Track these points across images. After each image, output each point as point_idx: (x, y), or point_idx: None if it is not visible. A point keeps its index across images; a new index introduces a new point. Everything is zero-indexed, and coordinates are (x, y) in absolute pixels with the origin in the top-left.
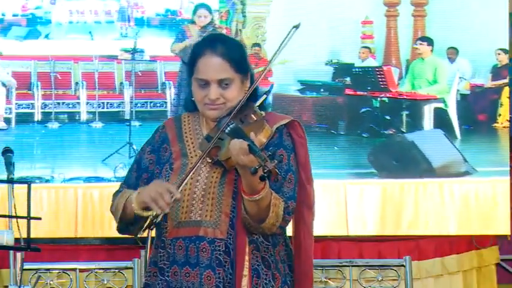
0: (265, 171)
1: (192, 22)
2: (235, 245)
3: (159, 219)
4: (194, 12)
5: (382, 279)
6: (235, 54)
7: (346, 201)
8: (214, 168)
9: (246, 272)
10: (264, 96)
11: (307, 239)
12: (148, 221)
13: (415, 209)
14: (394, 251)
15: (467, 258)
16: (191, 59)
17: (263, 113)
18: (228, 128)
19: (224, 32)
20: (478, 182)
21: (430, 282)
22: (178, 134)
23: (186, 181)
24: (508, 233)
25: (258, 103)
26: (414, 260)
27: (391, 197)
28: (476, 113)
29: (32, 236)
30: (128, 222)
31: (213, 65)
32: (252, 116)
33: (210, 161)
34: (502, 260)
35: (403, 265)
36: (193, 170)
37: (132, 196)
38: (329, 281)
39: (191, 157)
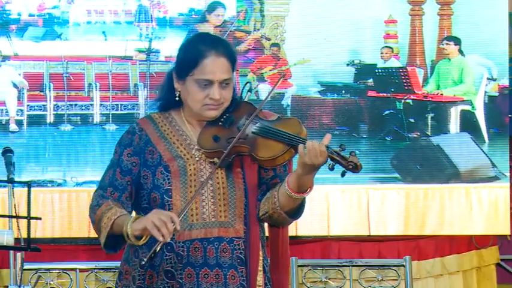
0: (351, 167)
1: (205, 21)
2: (249, 242)
3: (159, 248)
4: (210, 10)
5: (382, 279)
6: (234, 55)
7: (369, 208)
8: (217, 168)
9: (260, 267)
10: (249, 94)
11: (286, 235)
12: (152, 251)
13: (440, 216)
14: (394, 251)
15: (467, 258)
16: (192, 59)
17: None
18: (255, 128)
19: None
20: (506, 187)
21: (430, 282)
22: (160, 135)
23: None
24: (507, 233)
25: (246, 99)
26: (414, 260)
27: (415, 202)
28: (504, 115)
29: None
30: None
31: (219, 66)
32: (264, 114)
33: (215, 161)
34: (502, 260)
35: (403, 265)
36: (211, 174)
37: (127, 221)
38: (329, 281)
39: (187, 158)
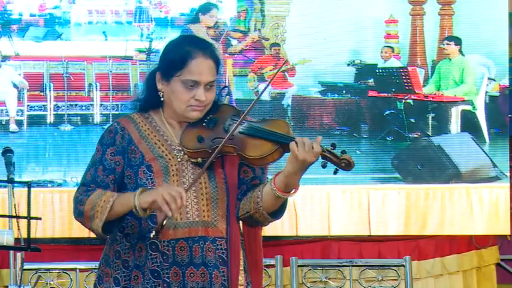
0: (344, 164)
1: (197, 21)
2: (230, 241)
3: (165, 222)
4: (204, 11)
5: (382, 279)
6: (219, 58)
7: (369, 208)
8: (197, 169)
9: (241, 267)
10: (227, 97)
11: (260, 232)
12: (158, 226)
13: (440, 216)
14: (394, 251)
15: (467, 258)
16: (180, 60)
17: None
18: (242, 128)
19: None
20: (507, 187)
21: (430, 282)
22: (141, 135)
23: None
24: (508, 233)
25: (225, 101)
26: (414, 260)
27: (416, 203)
28: (505, 115)
29: (41, 236)
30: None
31: (207, 68)
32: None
33: (198, 161)
34: (502, 260)
35: (403, 265)
36: (202, 172)
37: (133, 195)
38: (329, 281)
39: (169, 159)
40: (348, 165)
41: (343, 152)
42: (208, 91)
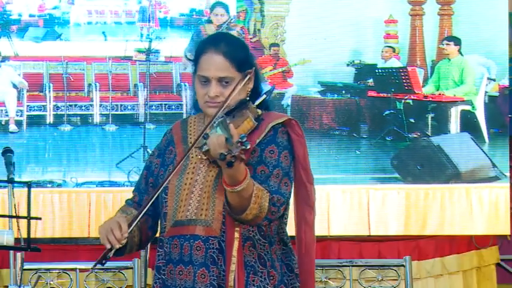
0: (232, 155)
1: (209, 21)
2: (225, 241)
3: (111, 254)
4: (211, 10)
5: (382, 279)
6: (238, 54)
7: (369, 208)
8: (211, 167)
9: (233, 267)
10: (264, 96)
11: (308, 237)
12: (102, 254)
13: (440, 216)
14: (394, 251)
15: (467, 258)
16: (195, 57)
17: (259, 111)
18: (216, 122)
19: (239, 29)
20: (507, 187)
21: (430, 282)
22: (184, 135)
23: (164, 185)
24: (508, 233)
25: (257, 102)
26: (414, 260)
27: (416, 203)
28: (505, 115)
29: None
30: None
31: (214, 63)
32: (246, 112)
33: (205, 157)
34: (502, 260)
35: (403, 265)
36: (174, 171)
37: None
38: (329, 281)
39: (192, 157)
40: (235, 159)
41: (246, 147)
42: (226, 88)
